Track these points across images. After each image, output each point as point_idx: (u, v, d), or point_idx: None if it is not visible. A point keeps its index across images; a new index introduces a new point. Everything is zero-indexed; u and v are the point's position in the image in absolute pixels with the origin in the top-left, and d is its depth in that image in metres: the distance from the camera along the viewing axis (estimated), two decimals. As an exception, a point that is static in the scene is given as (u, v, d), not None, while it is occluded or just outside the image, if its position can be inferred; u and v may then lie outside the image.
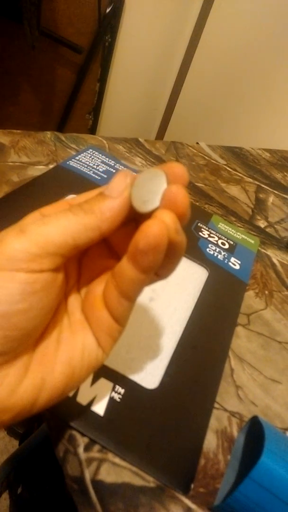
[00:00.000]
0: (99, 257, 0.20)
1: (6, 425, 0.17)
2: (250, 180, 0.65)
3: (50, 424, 0.24)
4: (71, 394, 0.24)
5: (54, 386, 0.17)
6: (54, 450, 0.24)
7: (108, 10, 1.35)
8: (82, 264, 0.21)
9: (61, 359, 0.18)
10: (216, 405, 0.29)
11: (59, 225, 0.16)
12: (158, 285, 0.36)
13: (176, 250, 0.17)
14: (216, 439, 0.27)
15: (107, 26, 1.38)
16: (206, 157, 0.66)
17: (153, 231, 0.15)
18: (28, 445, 0.71)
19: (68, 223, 0.16)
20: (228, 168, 0.66)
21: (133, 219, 0.18)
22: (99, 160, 0.52)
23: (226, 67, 1.42)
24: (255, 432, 0.26)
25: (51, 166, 0.47)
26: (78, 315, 0.19)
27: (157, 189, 0.17)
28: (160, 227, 0.15)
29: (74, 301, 0.20)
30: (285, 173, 0.72)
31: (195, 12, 1.50)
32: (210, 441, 0.27)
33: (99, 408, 0.24)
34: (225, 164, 0.67)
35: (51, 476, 0.62)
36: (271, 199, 0.61)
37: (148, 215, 0.16)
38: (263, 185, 0.65)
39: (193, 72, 1.60)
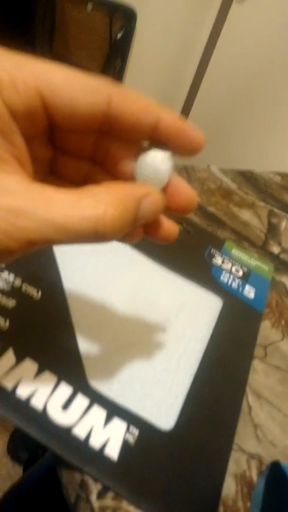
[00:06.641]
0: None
1: None
2: (262, 204, 0.64)
3: (61, 469, 0.23)
4: (83, 437, 0.23)
5: None
6: (65, 495, 0.23)
7: (119, 36, 1.38)
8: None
9: None
10: (234, 446, 0.27)
11: None
12: (172, 314, 0.35)
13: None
14: (235, 484, 0.25)
15: (117, 51, 1.41)
16: (217, 181, 0.66)
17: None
18: (32, 474, 0.68)
19: None
20: (239, 192, 0.65)
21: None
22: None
23: (236, 90, 1.43)
24: (276, 478, 0.25)
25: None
26: None
27: (160, 170, 0.18)
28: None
29: None
30: (297, 197, 0.72)
31: (204, 37, 1.53)
32: (229, 486, 0.25)
33: (113, 452, 0.23)
34: (236, 188, 0.66)
35: (55, 508, 0.60)
36: (283, 223, 0.60)
37: None
38: (275, 209, 0.64)
39: (203, 95, 1.62)
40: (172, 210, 0.19)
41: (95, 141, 0.19)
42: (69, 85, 0.15)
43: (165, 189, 0.19)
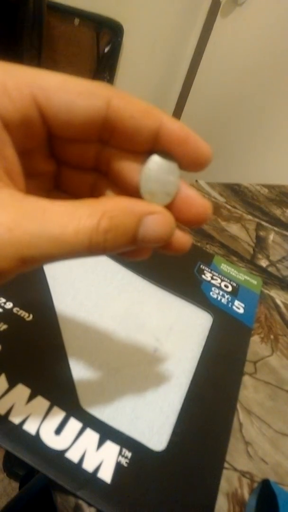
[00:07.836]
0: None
1: None
2: (250, 217, 0.65)
3: (55, 492, 0.23)
4: (76, 461, 0.23)
5: None
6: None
7: (106, 49, 1.39)
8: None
9: None
10: (225, 464, 0.28)
11: None
12: (163, 334, 0.35)
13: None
14: (227, 503, 0.26)
15: (105, 65, 1.43)
16: (206, 196, 0.67)
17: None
18: (27, 492, 0.68)
19: None
20: (227, 206, 0.66)
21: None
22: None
23: (222, 104, 1.45)
24: (267, 496, 0.25)
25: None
26: None
27: (168, 181, 0.16)
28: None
29: None
30: (284, 209, 0.73)
31: (190, 49, 1.56)
32: (221, 506, 0.26)
33: (106, 475, 0.23)
34: (224, 202, 0.67)
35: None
36: (271, 236, 0.62)
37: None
38: (263, 222, 0.65)
39: (189, 110, 1.64)
40: (183, 223, 0.17)
41: (97, 151, 0.18)
42: (65, 89, 0.14)
43: (173, 201, 0.17)
